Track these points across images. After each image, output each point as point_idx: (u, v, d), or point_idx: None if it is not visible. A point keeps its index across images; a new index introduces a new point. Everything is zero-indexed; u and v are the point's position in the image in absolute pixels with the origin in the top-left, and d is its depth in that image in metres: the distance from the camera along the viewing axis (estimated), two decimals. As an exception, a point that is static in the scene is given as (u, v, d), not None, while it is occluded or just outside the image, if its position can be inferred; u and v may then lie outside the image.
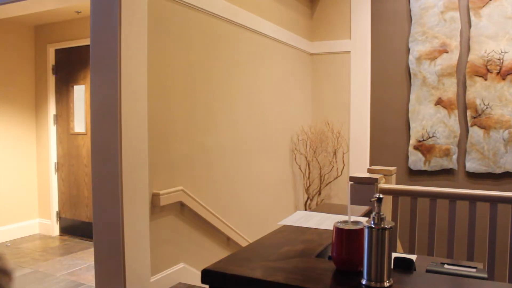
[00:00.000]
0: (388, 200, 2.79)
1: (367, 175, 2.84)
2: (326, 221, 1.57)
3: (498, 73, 3.84)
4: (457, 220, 2.60)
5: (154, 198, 2.44)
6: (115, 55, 2.21)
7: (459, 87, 4.01)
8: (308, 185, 4.31)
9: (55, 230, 4.73)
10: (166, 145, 2.54)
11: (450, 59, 4.01)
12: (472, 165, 3.97)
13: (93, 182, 2.34)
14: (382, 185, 2.77)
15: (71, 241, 4.54)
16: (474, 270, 1.24)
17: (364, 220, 1.03)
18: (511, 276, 2.48)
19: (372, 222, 0.98)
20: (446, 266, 1.27)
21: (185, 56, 2.68)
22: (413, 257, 1.42)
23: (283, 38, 3.88)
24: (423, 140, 4.13)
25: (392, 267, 1.02)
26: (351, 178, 2.81)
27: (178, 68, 2.63)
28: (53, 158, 4.71)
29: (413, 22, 4.14)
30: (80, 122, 4.61)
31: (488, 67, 3.87)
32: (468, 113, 3.97)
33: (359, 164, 4.32)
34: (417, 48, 4.12)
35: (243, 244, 3.20)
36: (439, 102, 4.07)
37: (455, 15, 3.98)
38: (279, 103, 3.87)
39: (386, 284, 0.96)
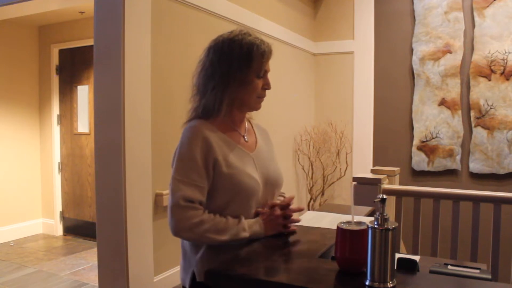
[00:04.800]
0: (391, 201, 2.78)
1: (370, 175, 2.83)
2: (338, 221, 1.55)
3: (502, 73, 3.83)
4: (460, 221, 2.59)
5: (158, 198, 2.45)
6: (118, 55, 2.22)
7: (463, 88, 4.00)
8: (311, 185, 4.31)
9: (59, 230, 4.75)
10: (169, 145, 2.54)
11: (454, 60, 4.00)
12: (475, 165, 3.96)
13: (97, 182, 2.34)
14: (386, 185, 2.77)
15: (75, 241, 4.55)
16: (477, 271, 1.23)
17: (367, 220, 1.03)
18: (515, 277, 2.47)
19: (376, 223, 0.98)
20: (449, 267, 1.27)
21: (188, 56, 2.68)
22: (417, 257, 1.41)
23: (286, 38, 3.88)
24: (427, 141, 4.13)
25: (395, 267, 1.01)
26: (355, 179, 2.80)
27: (181, 68, 2.63)
28: (56, 158, 4.73)
29: (416, 22, 4.13)
30: (84, 122, 4.63)
31: (492, 67, 3.86)
32: (472, 113, 3.96)
33: (363, 164, 4.31)
34: (421, 48, 4.12)
35: (246, 244, 3.20)
36: (442, 102, 4.06)
37: (459, 16, 3.97)
38: (282, 104, 3.87)
39: (390, 284, 0.96)
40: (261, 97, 1.42)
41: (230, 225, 1.29)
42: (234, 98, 1.37)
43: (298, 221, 1.44)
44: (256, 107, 1.44)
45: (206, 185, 1.31)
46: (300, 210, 1.46)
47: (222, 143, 1.34)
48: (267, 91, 1.45)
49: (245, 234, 1.31)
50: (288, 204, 1.43)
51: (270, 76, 1.45)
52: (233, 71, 1.33)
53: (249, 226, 1.32)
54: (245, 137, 1.45)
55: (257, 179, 1.36)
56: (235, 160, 1.34)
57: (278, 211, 1.38)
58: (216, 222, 1.28)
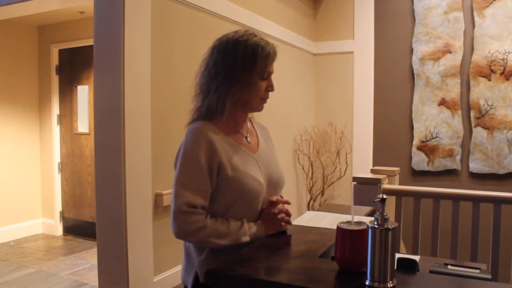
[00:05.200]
0: (391, 201, 2.78)
1: (370, 175, 2.83)
2: (338, 221, 1.55)
3: (502, 73, 3.83)
4: (460, 221, 2.59)
5: (157, 198, 2.45)
6: (118, 55, 2.22)
7: (463, 88, 4.00)
8: (311, 185, 4.31)
9: (59, 230, 4.75)
10: (169, 145, 2.54)
11: (454, 60, 4.00)
12: (475, 165, 3.96)
13: (97, 182, 2.34)
14: (386, 185, 2.77)
15: (74, 241, 4.55)
16: (477, 271, 1.23)
17: (367, 220, 1.03)
18: (515, 277, 2.47)
19: (376, 223, 0.98)
20: (449, 267, 1.27)
21: (188, 56, 2.68)
22: (417, 257, 1.41)
23: (286, 38, 3.88)
24: (427, 141, 4.13)
25: (395, 267, 1.01)
26: (354, 179, 2.80)
27: (181, 68, 2.63)
28: (56, 158, 4.72)
29: (416, 22, 4.13)
30: (84, 122, 4.63)
31: (492, 67, 3.86)
32: (472, 113, 3.96)
33: (362, 164, 4.31)
34: (421, 48, 4.12)
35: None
36: (442, 102, 4.06)
37: (458, 15, 3.97)
38: (282, 104, 3.87)
39: (390, 284, 0.96)
40: (264, 98, 1.41)
41: (231, 230, 1.30)
42: (237, 99, 1.36)
43: (289, 215, 1.44)
44: (259, 108, 1.43)
45: (210, 189, 1.31)
46: (287, 202, 1.46)
47: (226, 145, 1.34)
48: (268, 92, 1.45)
49: (246, 239, 1.32)
50: (282, 202, 1.44)
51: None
52: (237, 72, 1.33)
53: (250, 229, 1.33)
54: (248, 138, 1.45)
55: (261, 181, 1.36)
56: (239, 162, 1.34)
57: (275, 210, 1.39)
58: (218, 227, 1.29)
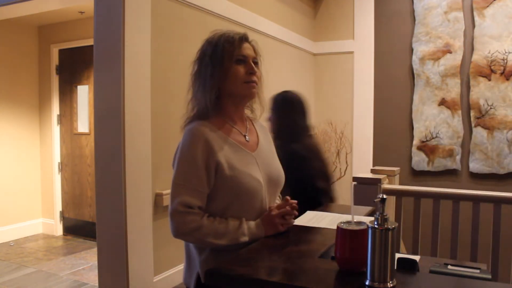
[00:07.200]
0: (391, 201, 2.78)
1: (370, 175, 2.83)
2: (338, 221, 1.55)
3: (502, 73, 3.83)
4: (460, 221, 2.59)
5: (157, 198, 2.45)
6: (118, 55, 2.22)
7: (463, 88, 4.00)
8: (311, 185, 4.30)
9: (59, 230, 4.75)
10: (169, 145, 2.54)
11: (454, 60, 4.00)
12: (475, 165, 3.96)
13: (97, 182, 2.34)
14: (386, 185, 2.77)
15: (74, 241, 4.55)
16: (477, 271, 1.23)
17: (367, 220, 1.03)
18: (515, 277, 2.47)
19: (376, 223, 0.98)
20: (449, 267, 1.27)
21: (188, 56, 2.67)
22: (417, 257, 1.41)
23: (286, 38, 3.88)
24: (427, 141, 4.12)
25: (395, 267, 1.01)
26: (355, 179, 2.80)
27: (181, 68, 2.63)
28: (56, 158, 4.72)
29: (416, 22, 4.13)
30: (84, 122, 4.63)
31: (492, 67, 3.86)
32: (472, 113, 3.96)
33: (362, 164, 4.31)
34: (421, 48, 4.12)
35: (246, 244, 3.19)
36: (442, 102, 4.06)
37: (458, 15, 3.97)
38: (282, 104, 3.86)
39: (390, 284, 0.96)
40: (248, 82, 1.37)
41: (229, 230, 1.30)
42: (221, 90, 1.37)
43: (295, 215, 1.43)
44: (247, 93, 1.38)
45: (207, 189, 1.31)
46: (291, 205, 1.42)
47: (224, 144, 1.34)
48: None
49: (245, 239, 1.32)
50: (286, 204, 1.42)
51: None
52: (211, 66, 1.36)
53: (249, 229, 1.33)
54: (246, 137, 1.45)
55: (259, 180, 1.36)
56: (237, 161, 1.34)
57: (275, 211, 1.38)
58: (215, 227, 1.29)
